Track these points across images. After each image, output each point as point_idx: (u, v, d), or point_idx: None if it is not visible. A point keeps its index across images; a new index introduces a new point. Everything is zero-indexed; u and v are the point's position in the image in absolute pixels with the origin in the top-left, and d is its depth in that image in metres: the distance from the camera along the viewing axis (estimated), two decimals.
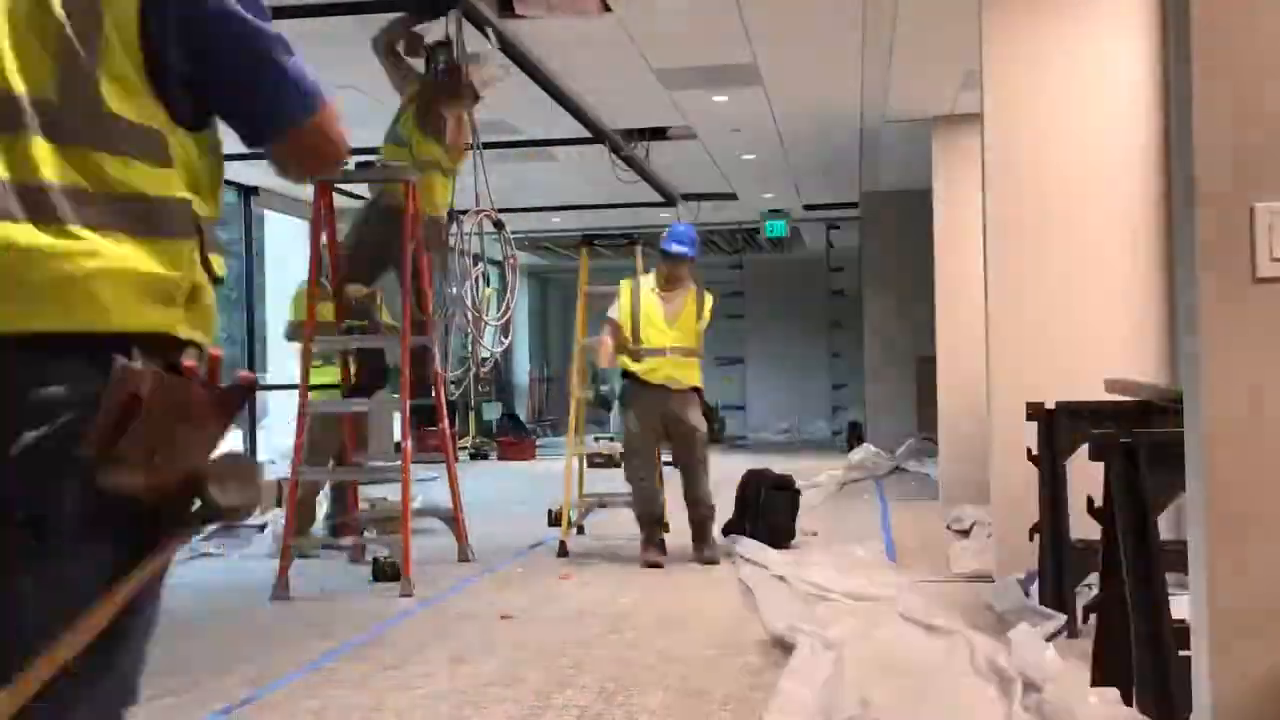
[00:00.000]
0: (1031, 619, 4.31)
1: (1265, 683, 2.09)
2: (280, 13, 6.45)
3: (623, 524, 7.38)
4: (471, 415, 15.73)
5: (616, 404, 7.47)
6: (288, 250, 13.31)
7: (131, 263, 1.54)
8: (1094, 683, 3.37)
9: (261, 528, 7.77)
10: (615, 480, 7.69)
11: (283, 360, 12.89)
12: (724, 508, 7.22)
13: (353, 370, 6.88)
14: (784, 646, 4.41)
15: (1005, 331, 5.55)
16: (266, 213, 13.02)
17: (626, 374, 7.02)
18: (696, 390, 7.00)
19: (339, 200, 6.80)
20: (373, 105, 8.82)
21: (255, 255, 12.90)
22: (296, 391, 6.34)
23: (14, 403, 1.49)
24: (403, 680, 4.26)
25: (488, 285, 6.96)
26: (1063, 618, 4.37)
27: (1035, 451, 4.70)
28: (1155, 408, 4.26)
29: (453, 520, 6.82)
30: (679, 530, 6.98)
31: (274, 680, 4.29)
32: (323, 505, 7.93)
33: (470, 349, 7.15)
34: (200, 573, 6.76)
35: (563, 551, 7.05)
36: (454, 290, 6.60)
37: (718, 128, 10.14)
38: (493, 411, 16.69)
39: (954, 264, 9.60)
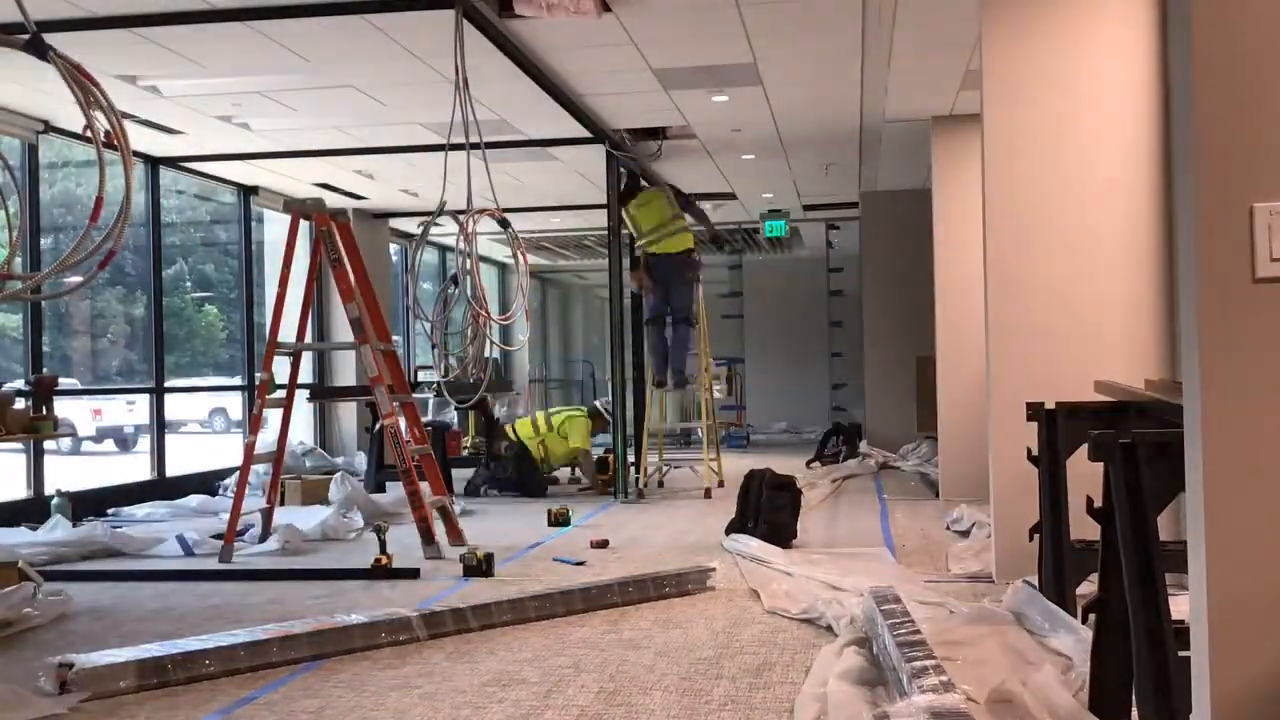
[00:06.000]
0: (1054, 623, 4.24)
1: (1265, 683, 2.09)
2: (280, 13, 6.45)
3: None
4: (471, 415, 15.67)
5: None
6: None
7: None
8: (1091, 706, 3.35)
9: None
10: None
11: (283, 359, 12.84)
12: (725, 507, 7.18)
13: None
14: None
15: (1005, 331, 5.56)
16: (266, 213, 13.00)
17: None
18: None
19: None
20: (371, 104, 8.85)
21: (255, 255, 12.88)
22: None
23: None
24: (402, 680, 4.26)
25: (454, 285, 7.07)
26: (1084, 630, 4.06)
27: (1035, 451, 4.69)
28: (1131, 408, 4.26)
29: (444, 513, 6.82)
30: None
31: (274, 680, 4.29)
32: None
33: (467, 348, 7.15)
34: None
35: None
36: (453, 290, 6.61)
37: (718, 128, 10.14)
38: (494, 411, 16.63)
39: (954, 264, 9.61)
